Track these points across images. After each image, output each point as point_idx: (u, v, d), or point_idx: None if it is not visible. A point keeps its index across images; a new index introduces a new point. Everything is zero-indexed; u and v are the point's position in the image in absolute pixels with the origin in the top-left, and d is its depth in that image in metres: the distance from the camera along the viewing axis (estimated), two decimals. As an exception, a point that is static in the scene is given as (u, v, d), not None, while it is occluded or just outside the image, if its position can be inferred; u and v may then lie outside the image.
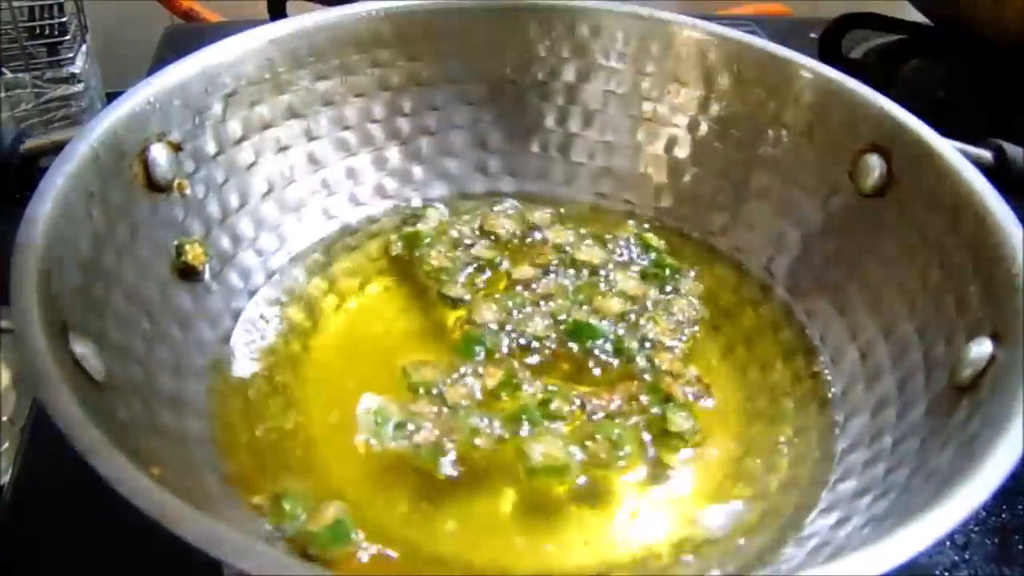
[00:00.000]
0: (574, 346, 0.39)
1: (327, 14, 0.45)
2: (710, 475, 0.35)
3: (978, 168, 0.37)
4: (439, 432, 0.35)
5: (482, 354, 0.38)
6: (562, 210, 0.46)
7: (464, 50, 0.47)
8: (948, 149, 0.38)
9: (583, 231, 0.45)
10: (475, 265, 0.43)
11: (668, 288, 0.42)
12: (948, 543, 0.36)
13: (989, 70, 0.63)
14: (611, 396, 0.37)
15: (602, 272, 0.43)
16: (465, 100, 0.47)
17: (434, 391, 0.36)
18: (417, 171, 0.47)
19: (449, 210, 0.46)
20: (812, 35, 0.67)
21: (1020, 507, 0.37)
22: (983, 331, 0.33)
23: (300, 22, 0.44)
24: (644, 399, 0.37)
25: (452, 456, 0.34)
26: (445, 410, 0.36)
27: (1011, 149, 0.50)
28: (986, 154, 0.50)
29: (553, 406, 0.36)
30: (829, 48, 0.66)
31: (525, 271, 0.42)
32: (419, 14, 0.46)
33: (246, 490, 0.32)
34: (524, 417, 0.35)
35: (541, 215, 0.46)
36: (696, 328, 0.41)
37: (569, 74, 0.48)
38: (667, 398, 0.37)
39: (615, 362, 0.38)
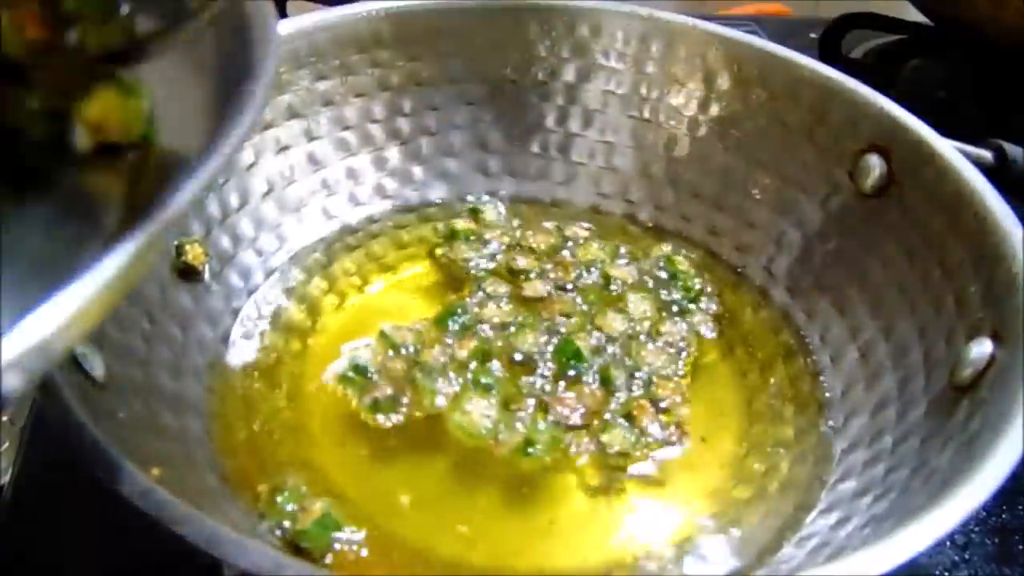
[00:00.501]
0: (559, 366, 0.38)
1: (327, 14, 0.45)
2: (710, 475, 0.35)
3: (978, 168, 0.37)
4: (396, 388, 0.36)
5: (456, 326, 0.39)
6: (587, 224, 0.46)
7: (464, 50, 0.47)
8: (948, 149, 0.38)
9: (615, 249, 0.44)
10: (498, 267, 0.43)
11: (685, 314, 0.41)
12: (948, 543, 0.36)
13: (989, 70, 0.62)
14: (575, 406, 0.36)
15: (619, 291, 0.42)
16: (465, 100, 0.47)
17: (405, 351, 0.37)
18: (417, 171, 0.47)
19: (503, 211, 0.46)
20: (812, 35, 0.67)
21: (1020, 507, 0.37)
22: (983, 331, 0.33)
23: (300, 22, 0.44)
24: (607, 416, 0.36)
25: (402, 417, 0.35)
26: (412, 369, 0.37)
27: (1011, 149, 0.50)
28: (986, 154, 0.50)
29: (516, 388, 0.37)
30: (829, 48, 0.66)
31: (537, 287, 0.42)
32: (419, 14, 0.46)
33: (245, 488, 0.33)
34: (481, 379, 0.36)
35: (577, 230, 0.45)
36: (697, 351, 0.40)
37: (569, 74, 0.48)
38: (628, 416, 0.36)
39: (598, 385, 0.37)
